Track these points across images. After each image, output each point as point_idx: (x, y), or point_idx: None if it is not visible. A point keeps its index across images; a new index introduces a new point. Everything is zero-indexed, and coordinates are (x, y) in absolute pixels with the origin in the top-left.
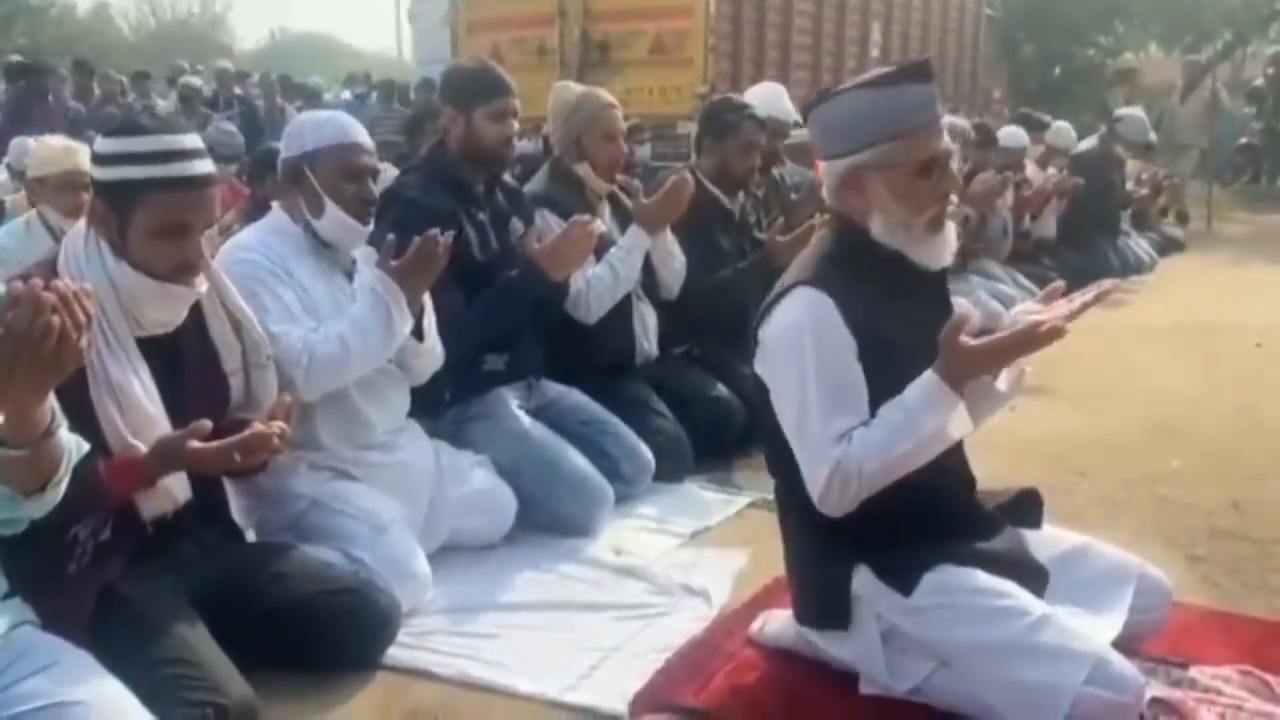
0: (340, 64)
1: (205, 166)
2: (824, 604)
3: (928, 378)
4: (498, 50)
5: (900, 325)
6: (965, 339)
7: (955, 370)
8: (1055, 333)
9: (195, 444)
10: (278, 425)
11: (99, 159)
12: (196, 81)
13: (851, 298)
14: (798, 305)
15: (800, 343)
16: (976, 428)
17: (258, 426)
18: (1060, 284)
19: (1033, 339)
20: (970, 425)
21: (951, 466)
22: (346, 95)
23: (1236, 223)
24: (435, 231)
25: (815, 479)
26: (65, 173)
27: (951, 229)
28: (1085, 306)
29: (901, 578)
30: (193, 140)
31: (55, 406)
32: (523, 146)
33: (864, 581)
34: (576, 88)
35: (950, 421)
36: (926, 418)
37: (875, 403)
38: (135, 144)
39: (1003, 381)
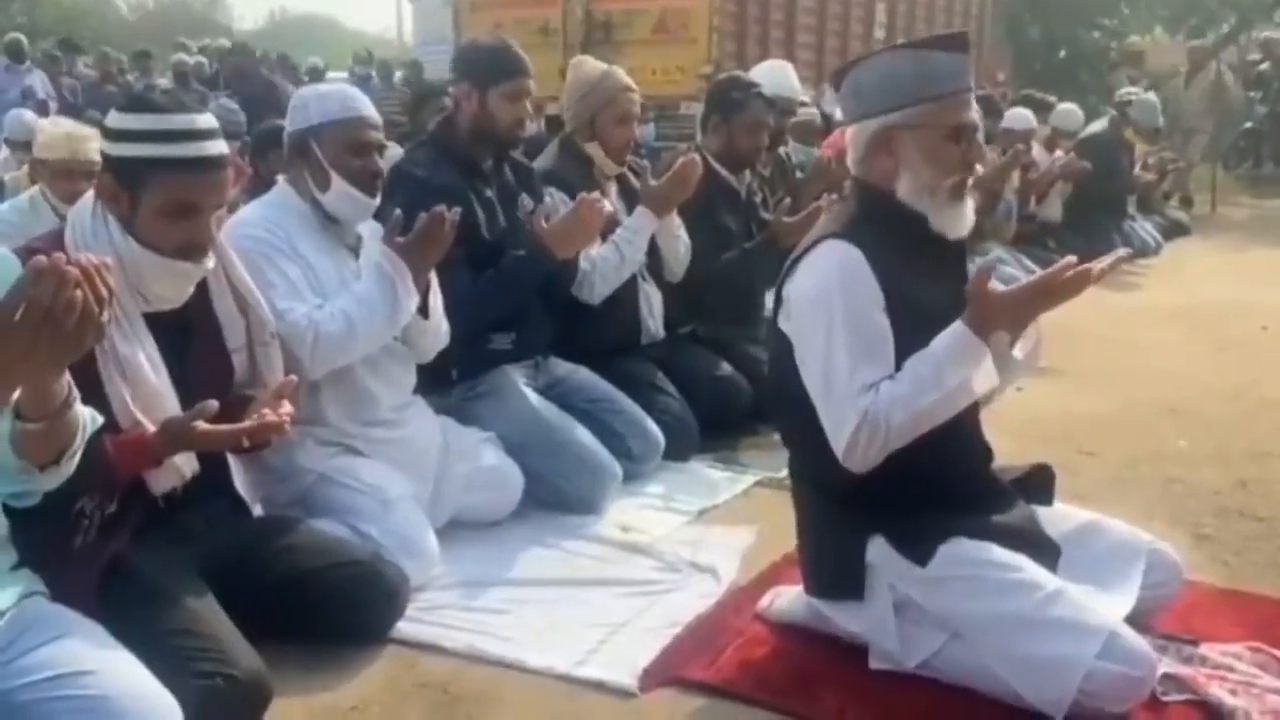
0: (340, 45)
1: (217, 148)
2: (838, 574)
3: (955, 328)
4: (500, 30)
5: (923, 289)
6: (994, 284)
7: (983, 318)
8: (1081, 279)
9: (203, 425)
10: (285, 409)
11: (111, 134)
12: (191, 61)
13: (879, 253)
14: (827, 256)
15: (829, 292)
16: (993, 394)
17: (266, 413)
18: (1073, 259)
19: (1058, 283)
20: (996, 379)
21: (969, 436)
22: (341, 74)
23: (1240, 207)
24: (441, 208)
25: (841, 431)
26: (63, 160)
27: (971, 203)
28: (1104, 273)
29: (917, 548)
30: (206, 120)
31: (70, 380)
32: None
33: (879, 551)
34: (598, 65)
35: (977, 373)
36: (954, 368)
37: (898, 360)
38: (148, 121)
39: (1019, 350)
